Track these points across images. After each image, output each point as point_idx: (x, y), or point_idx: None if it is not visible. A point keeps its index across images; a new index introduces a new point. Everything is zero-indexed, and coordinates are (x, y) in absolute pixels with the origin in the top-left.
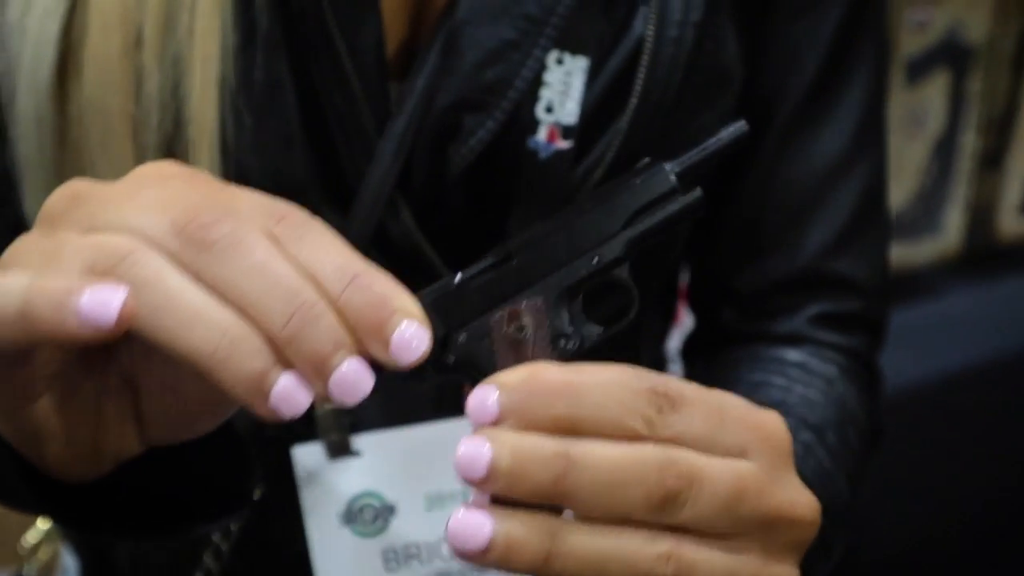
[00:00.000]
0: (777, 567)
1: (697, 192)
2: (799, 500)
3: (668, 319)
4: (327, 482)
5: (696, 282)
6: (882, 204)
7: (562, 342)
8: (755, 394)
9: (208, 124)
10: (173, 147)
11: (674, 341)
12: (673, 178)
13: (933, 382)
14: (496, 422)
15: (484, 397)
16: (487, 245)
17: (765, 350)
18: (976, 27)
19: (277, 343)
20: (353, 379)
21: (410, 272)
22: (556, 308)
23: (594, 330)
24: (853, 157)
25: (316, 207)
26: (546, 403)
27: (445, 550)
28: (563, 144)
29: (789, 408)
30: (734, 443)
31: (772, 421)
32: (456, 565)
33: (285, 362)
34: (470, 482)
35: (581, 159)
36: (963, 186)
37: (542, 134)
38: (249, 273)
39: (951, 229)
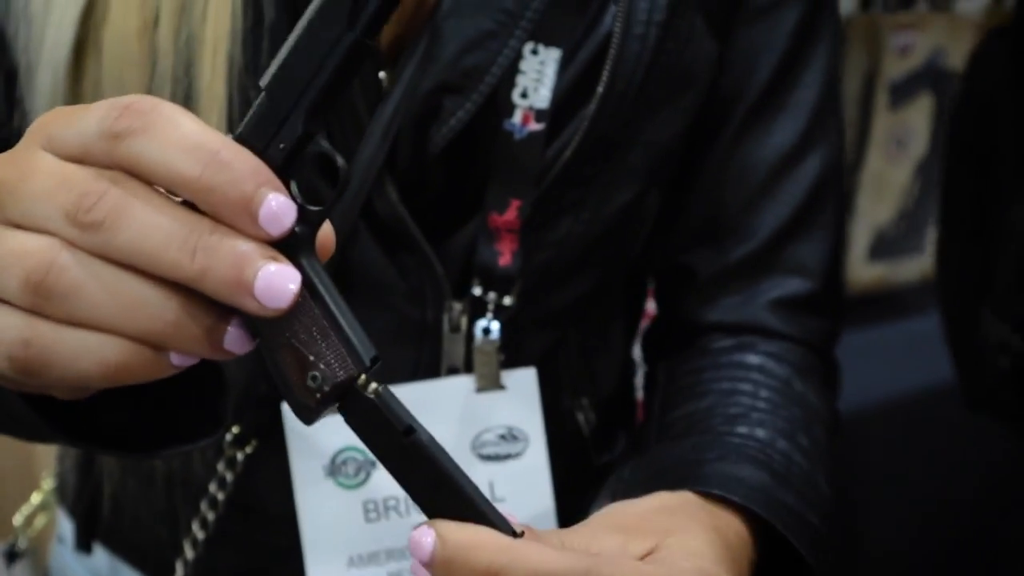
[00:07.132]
0: None
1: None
2: None
3: (635, 322)
4: (313, 437)
5: (659, 270)
6: (834, 196)
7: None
8: (728, 400)
9: (217, 100)
10: None
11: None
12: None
13: (911, 397)
14: None
15: None
16: (465, 219)
17: (725, 356)
18: (957, 53)
19: (195, 282)
20: (277, 281)
21: (393, 243)
22: None
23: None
24: (805, 149)
25: (310, 180)
26: None
27: None
28: (536, 126)
29: (762, 416)
30: None
31: None
32: None
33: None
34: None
35: (552, 140)
36: None
37: (517, 117)
38: (143, 234)
39: (932, 249)
